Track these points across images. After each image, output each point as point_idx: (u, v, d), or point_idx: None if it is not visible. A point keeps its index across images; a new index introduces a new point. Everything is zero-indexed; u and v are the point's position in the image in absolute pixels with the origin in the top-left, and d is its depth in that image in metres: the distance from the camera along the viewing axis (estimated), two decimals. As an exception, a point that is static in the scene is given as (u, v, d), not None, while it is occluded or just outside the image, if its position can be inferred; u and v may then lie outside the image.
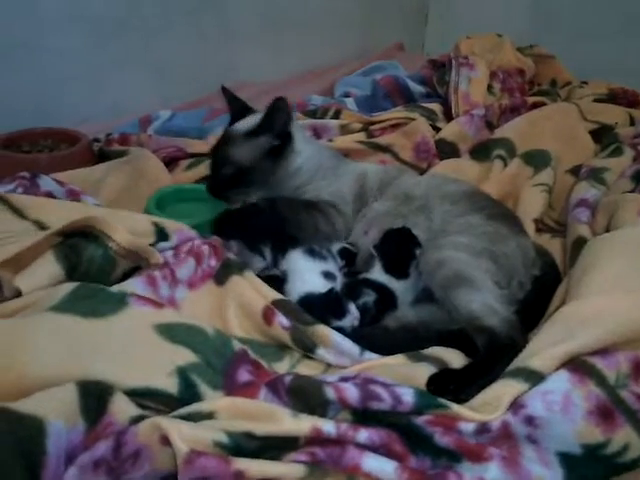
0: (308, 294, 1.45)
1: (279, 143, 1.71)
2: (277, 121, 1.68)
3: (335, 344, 1.33)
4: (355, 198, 1.76)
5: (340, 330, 1.36)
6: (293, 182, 1.77)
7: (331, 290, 1.44)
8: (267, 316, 1.37)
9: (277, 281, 1.51)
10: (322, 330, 1.35)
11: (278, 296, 1.44)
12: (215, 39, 3.03)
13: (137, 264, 1.45)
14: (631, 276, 1.30)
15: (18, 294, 1.27)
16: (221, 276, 1.48)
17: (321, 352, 1.34)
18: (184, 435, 0.95)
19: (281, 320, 1.36)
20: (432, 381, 1.19)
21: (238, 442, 0.99)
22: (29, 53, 2.38)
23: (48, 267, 1.31)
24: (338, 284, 1.51)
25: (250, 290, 1.43)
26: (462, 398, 1.14)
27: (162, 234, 1.53)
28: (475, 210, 1.60)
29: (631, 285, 1.28)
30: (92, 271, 1.36)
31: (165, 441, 0.95)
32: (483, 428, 1.05)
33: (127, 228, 1.44)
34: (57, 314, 1.16)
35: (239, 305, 1.44)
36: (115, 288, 1.30)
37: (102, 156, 2.15)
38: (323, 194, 1.73)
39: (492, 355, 1.25)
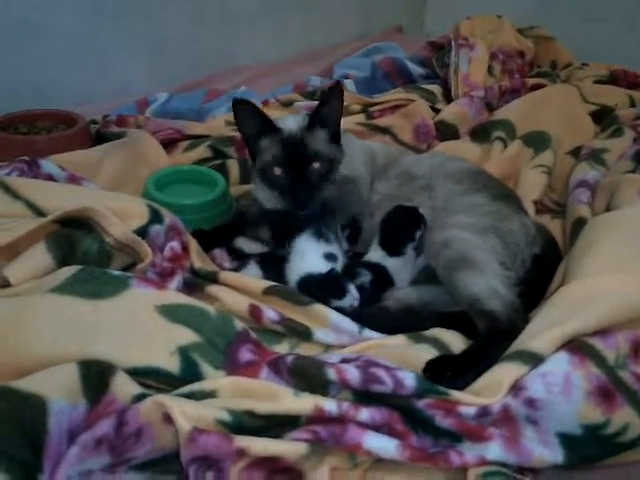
0: (308, 274, 1.44)
1: (338, 129, 1.60)
2: (336, 109, 1.56)
3: (333, 322, 1.33)
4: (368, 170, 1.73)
5: (340, 311, 1.36)
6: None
7: (331, 271, 1.43)
8: (254, 314, 1.34)
9: (278, 261, 1.51)
10: (319, 309, 1.35)
11: (269, 283, 1.42)
12: (214, 21, 2.99)
13: (131, 259, 1.44)
14: (630, 256, 1.30)
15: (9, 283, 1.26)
16: (194, 289, 1.44)
17: (319, 335, 1.33)
18: (187, 413, 0.95)
19: (269, 315, 1.34)
20: (429, 367, 1.17)
21: (240, 420, 1.00)
22: (28, 34, 2.35)
23: (39, 258, 1.30)
24: (339, 265, 1.50)
25: (229, 294, 1.40)
26: (459, 385, 1.12)
27: (156, 216, 1.51)
28: (479, 189, 1.58)
29: (630, 265, 1.28)
30: (88, 264, 1.32)
31: (167, 419, 0.96)
32: (484, 411, 1.05)
33: (121, 210, 1.44)
34: (58, 295, 1.16)
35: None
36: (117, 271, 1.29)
37: (99, 138, 2.13)
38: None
39: (491, 340, 1.23)
